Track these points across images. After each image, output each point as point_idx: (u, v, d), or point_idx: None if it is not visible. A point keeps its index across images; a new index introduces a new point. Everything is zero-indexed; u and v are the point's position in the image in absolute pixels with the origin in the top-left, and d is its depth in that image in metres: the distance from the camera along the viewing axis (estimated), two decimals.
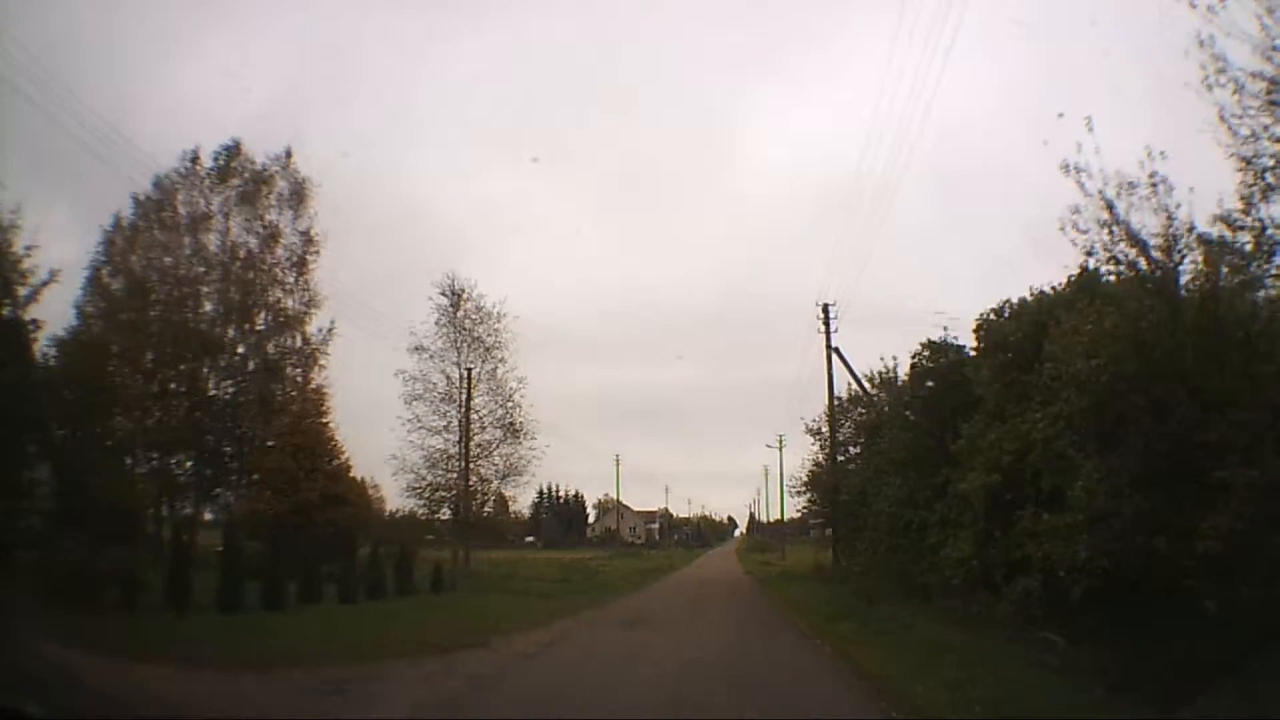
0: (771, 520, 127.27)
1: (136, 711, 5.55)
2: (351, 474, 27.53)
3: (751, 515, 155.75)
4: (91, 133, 35.60)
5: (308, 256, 31.18)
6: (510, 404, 32.64)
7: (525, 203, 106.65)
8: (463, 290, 32.15)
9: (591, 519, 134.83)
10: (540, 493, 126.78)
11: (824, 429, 26.49)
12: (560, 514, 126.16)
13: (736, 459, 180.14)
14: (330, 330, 30.34)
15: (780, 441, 51.51)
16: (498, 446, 32.68)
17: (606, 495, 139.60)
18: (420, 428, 32.02)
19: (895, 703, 8.40)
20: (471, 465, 32.06)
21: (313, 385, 28.38)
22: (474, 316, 31.98)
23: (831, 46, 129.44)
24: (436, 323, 31.82)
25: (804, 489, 28.42)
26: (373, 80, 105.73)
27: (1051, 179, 9.23)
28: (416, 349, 31.62)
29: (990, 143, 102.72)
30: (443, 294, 32.04)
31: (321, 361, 29.43)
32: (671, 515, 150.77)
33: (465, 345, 31.80)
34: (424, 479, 32.58)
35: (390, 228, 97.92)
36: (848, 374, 23.91)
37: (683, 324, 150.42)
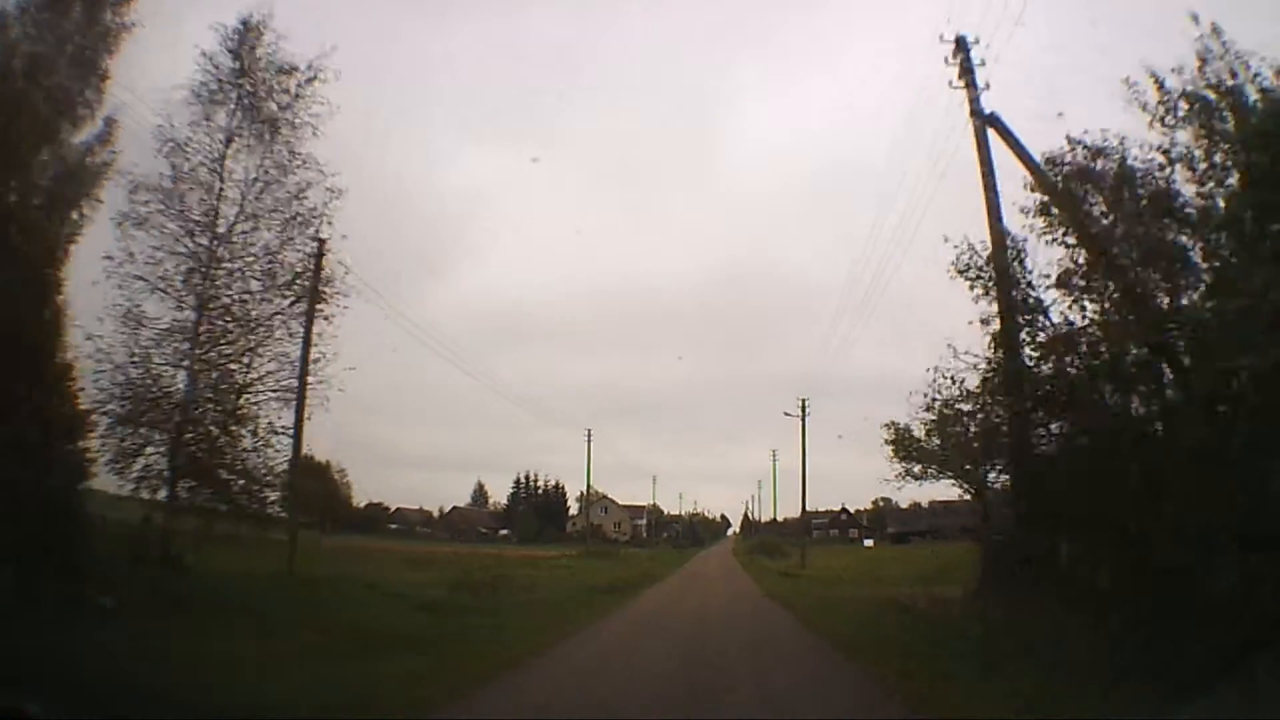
0: (768, 520, 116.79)
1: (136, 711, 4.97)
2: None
3: (746, 514, 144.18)
4: None
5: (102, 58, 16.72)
6: (310, 232, 16.80)
7: (516, 193, 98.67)
8: (256, 31, 15.98)
9: (573, 512, 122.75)
10: (517, 482, 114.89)
11: (983, 274, 10.76)
12: (538, 506, 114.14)
13: (730, 458, 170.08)
14: (109, 165, 15.83)
15: (803, 407, 39.39)
16: (277, 320, 16.16)
17: (591, 487, 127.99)
18: (137, 278, 15.42)
19: None
20: (224, 355, 15.53)
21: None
22: (265, 75, 16.02)
23: (829, 35, 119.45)
24: (196, 92, 15.86)
25: (940, 418, 13.17)
26: (365, 74, 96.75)
27: None
28: (166, 143, 15.75)
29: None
30: (224, 45, 16.02)
31: (86, 209, 15.28)
32: (661, 511, 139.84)
33: (244, 127, 15.87)
34: (130, 382, 14.95)
35: (385, 220, 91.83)
36: (1020, 164, 10.93)
37: (677, 320, 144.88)
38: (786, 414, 39.90)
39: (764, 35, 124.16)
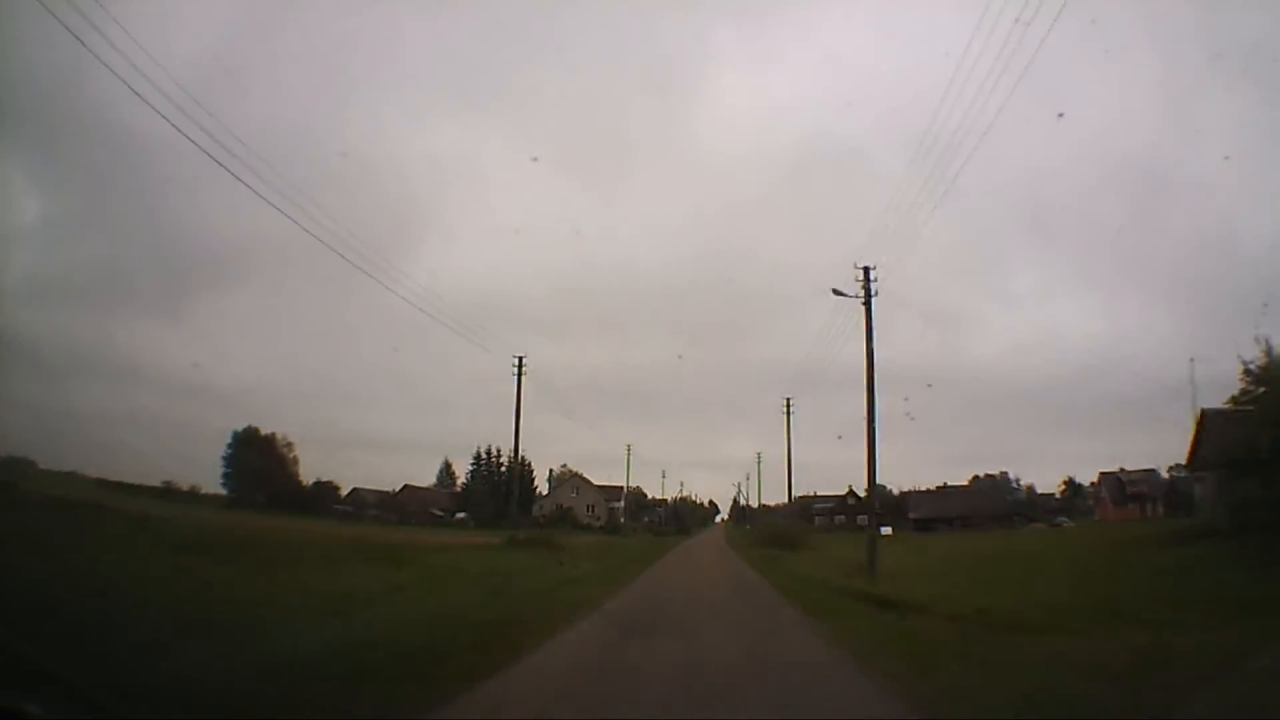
0: (763, 504, 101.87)
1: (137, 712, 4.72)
2: None
3: (736, 499, 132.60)
4: None
5: None
6: None
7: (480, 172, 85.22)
8: None
9: (542, 492, 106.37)
10: (477, 458, 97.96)
11: None
12: (498, 486, 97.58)
13: (715, 448, 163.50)
14: None
15: (867, 279, 22.34)
16: None
17: (564, 466, 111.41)
18: None
19: None
20: None
21: None
22: None
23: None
24: None
25: None
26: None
27: None
28: None
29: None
30: None
31: None
32: (644, 494, 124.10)
33: None
34: None
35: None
36: None
37: (660, 306, 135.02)
38: (837, 292, 23.15)
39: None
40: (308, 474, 68.23)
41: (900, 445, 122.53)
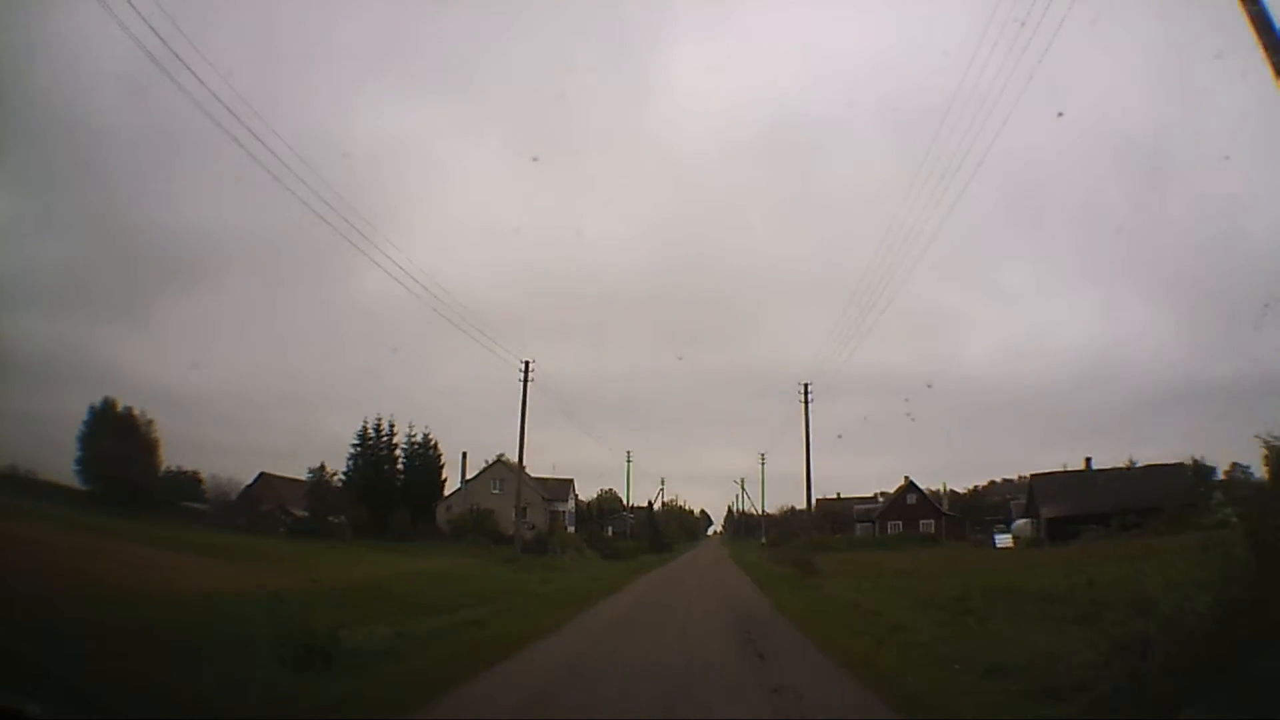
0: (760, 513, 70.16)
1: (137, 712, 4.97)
2: None
3: (730, 508, 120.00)
4: None
5: None
6: None
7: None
8: None
9: (449, 489, 71.63)
10: (364, 437, 63.64)
11: None
12: (386, 477, 64.00)
13: (699, 461, 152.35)
14: None
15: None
16: None
17: (502, 455, 76.56)
18: None
19: None
20: None
21: None
22: None
23: None
24: None
25: None
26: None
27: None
28: None
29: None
30: None
31: None
32: (618, 499, 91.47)
33: None
34: None
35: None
36: None
37: (645, 311, 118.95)
38: None
39: None
40: (170, 460, 54.96)
41: (904, 446, 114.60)
